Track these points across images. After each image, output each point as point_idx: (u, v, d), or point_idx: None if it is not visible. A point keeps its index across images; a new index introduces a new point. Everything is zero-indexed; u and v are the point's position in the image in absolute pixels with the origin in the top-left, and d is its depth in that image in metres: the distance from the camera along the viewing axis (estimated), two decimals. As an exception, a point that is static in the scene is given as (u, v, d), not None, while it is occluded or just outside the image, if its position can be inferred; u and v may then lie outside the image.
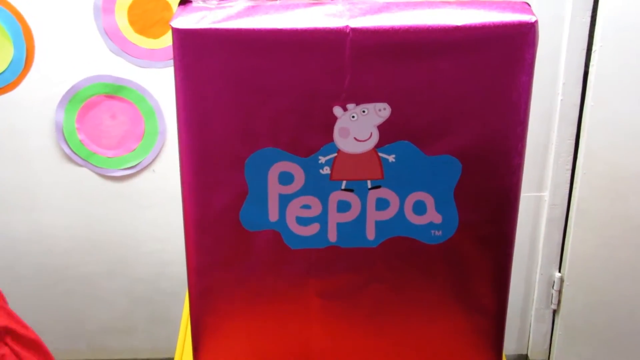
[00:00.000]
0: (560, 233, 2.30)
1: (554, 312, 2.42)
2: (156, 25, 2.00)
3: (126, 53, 2.03)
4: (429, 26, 1.19)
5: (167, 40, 2.02)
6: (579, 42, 2.04)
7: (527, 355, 2.54)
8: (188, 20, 1.19)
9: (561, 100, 2.10)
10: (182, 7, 1.24)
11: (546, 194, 2.24)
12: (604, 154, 2.12)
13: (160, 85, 2.09)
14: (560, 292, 2.36)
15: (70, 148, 2.11)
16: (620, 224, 2.17)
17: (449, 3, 1.24)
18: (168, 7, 1.98)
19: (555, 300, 2.37)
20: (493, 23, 1.20)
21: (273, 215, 1.30)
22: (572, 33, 2.02)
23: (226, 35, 1.18)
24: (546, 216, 2.26)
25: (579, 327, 2.37)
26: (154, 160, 2.13)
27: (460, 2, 1.25)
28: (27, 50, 2.00)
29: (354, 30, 1.18)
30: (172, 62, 2.02)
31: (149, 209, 2.22)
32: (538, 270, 2.36)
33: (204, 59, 1.19)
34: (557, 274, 2.35)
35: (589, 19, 2.02)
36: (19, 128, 2.05)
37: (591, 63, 2.05)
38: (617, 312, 2.28)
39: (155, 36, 2.01)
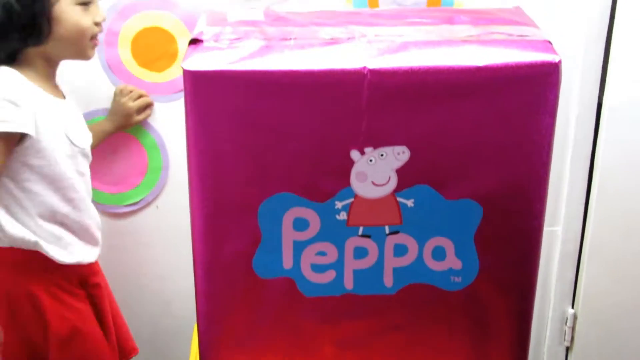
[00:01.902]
0: (573, 268, 2.25)
1: (567, 349, 2.37)
2: (160, 59, 1.96)
3: (129, 87, 1.99)
4: (449, 67, 1.15)
5: (171, 74, 1.98)
6: (592, 75, 2.01)
7: (538, 393, 2.49)
8: (200, 61, 1.14)
9: (574, 134, 2.07)
10: (192, 46, 1.19)
11: (559, 229, 2.20)
12: (617, 188, 2.08)
13: (164, 119, 2.04)
14: (573, 328, 2.31)
15: (71, 184, 2.06)
16: (634, 259, 2.13)
17: (469, 41, 1.20)
18: (172, 39, 1.94)
19: (568, 337, 2.33)
20: (515, 63, 1.16)
21: (287, 262, 1.26)
22: (585, 67, 1.99)
23: (240, 77, 1.14)
24: (559, 251, 2.22)
25: (593, 365, 2.33)
26: (157, 196, 2.08)
27: (480, 39, 1.21)
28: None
29: (371, 71, 1.14)
30: (176, 95, 1.99)
31: (152, 247, 2.17)
32: (551, 306, 2.31)
33: (217, 102, 1.15)
34: (571, 310, 2.30)
35: (602, 52, 1.99)
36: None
37: (605, 96, 2.02)
38: (631, 350, 2.24)
39: (160, 70, 1.97)
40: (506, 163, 1.21)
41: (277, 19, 1.30)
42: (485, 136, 1.19)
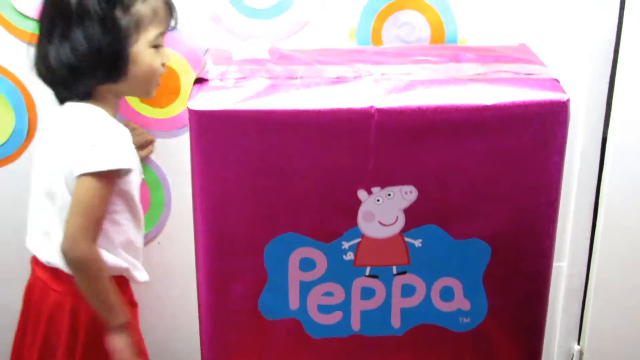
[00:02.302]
0: (579, 304, 2.22)
1: (574, 385, 2.35)
2: (163, 95, 1.95)
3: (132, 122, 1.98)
4: (457, 106, 1.14)
5: (174, 109, 1.96)
6: (596, 109, 2.00)
7: None
8: (206, 100, 1.14)
9: (579, 168, 2.06)
10: (198, 86, 1.19)
11: (564, 264, 2.17)
12: (623, 222, 2.07)
13: (166, 155, 2.03)
14: (579, 365, 2.29)
15: (73, 220, 2.05)
16: (641, 294, 2.12)
17: (476, 79, 1.20)
18: (175, 75, 1.93)
19: (574, 374, 2.31)
20: (523, 102, 1.15)
21: (293, 303, 1.24)
22: (589, 101, 1.98)
23: (246, 117, 1.13)
24: (564, 287, 2.20)
25: (600, 402, 2.30)
26: (159, 232, 2.07)
27: (487, 78, 1.20)
28: (29, 120, 1.94)
29: (379, 110, 1.13)
30: (178, 132, 1.98)
31: (154, 283, 2.15)
32: (557, 343, 2.29)
33: (223, 142, 1.14)
34: (577, 347, 2.27)
35: (607, 86, 1.98)
36: (21, 201, 1.99)
37: (609, 130, 2.01)
38: (639, 386, 2.21)
39: (162, 105, 1.96)
40: (514, 202, 1.20)
41: (282, 57, 1.29)
42: (494, 175, 1.18)
